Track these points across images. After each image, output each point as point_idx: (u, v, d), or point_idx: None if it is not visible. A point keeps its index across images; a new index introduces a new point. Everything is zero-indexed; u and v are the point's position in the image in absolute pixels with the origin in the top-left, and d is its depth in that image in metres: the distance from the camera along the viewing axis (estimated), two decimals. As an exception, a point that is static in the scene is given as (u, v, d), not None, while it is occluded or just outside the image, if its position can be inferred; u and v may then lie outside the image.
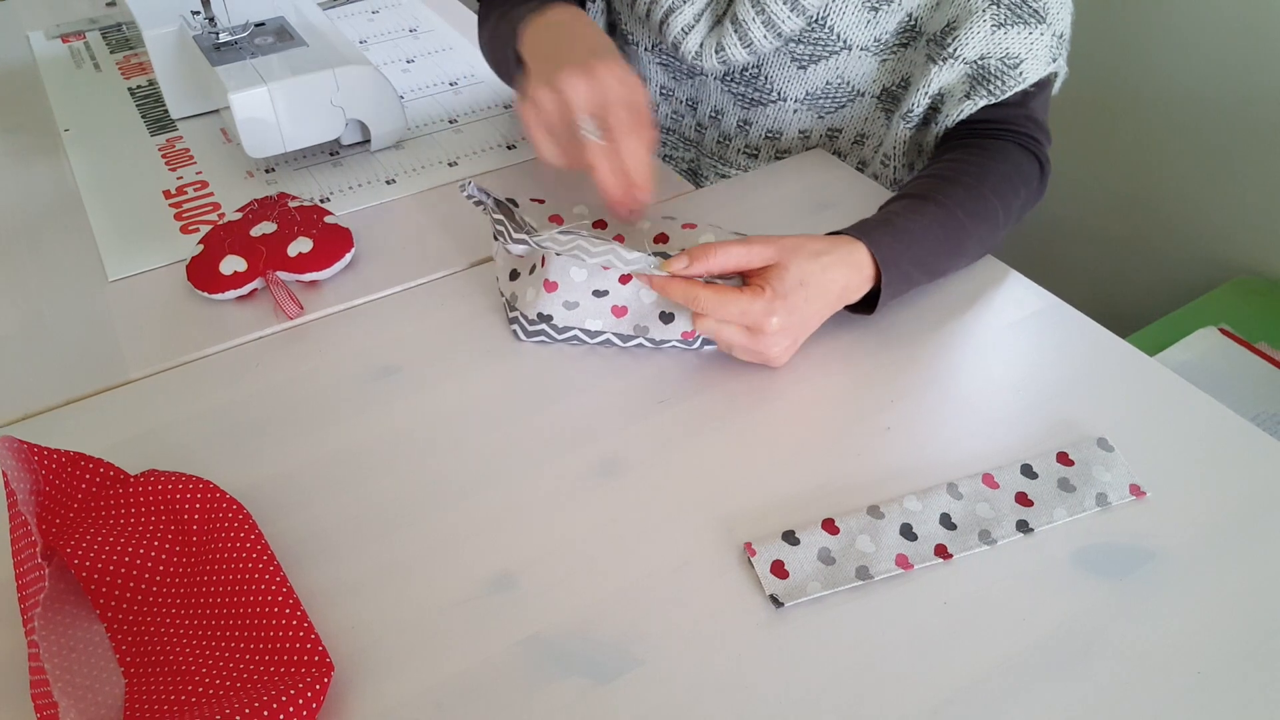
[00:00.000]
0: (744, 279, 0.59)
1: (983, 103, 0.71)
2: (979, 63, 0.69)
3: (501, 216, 0.63)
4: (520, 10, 0.71)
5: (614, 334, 0.63)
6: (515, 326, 0.64)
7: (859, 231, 0.62)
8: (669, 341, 0.62)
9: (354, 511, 0.54)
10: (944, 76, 0.71)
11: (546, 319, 0.62)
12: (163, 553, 0.50)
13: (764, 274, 0.58)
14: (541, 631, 0.48)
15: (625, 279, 0.61)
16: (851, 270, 0.60)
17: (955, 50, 0.69)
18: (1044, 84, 0.72)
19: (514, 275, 0.65)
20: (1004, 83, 0.69)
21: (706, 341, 0.62)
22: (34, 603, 0.43)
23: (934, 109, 0.75)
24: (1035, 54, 0.69)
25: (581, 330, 0.63)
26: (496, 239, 0.64)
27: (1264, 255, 1.20)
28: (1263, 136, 1.14)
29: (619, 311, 0.62)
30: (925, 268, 0.64)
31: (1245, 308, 1.14)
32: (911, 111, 0.75)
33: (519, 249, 0.63)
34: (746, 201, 0.78)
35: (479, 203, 0.63)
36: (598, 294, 0.62)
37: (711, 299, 0.57)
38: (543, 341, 0.64)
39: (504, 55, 0.74)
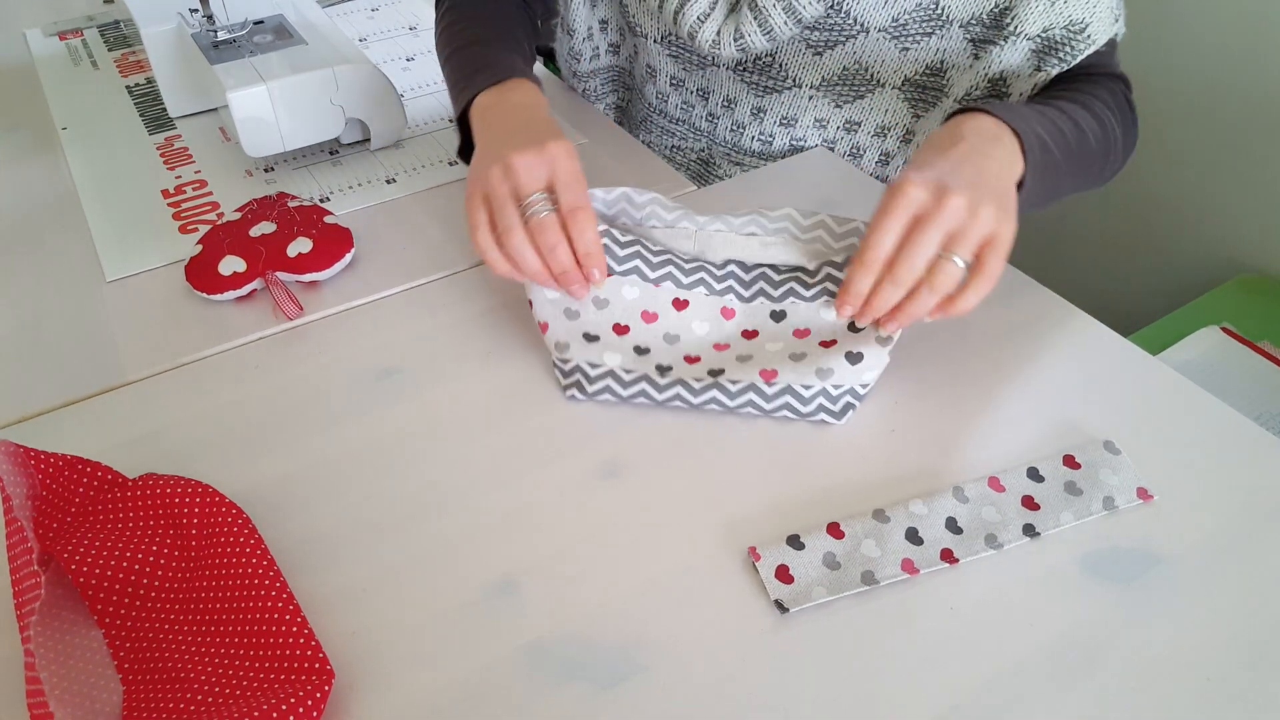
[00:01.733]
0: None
1: (1055, 71, 0.70)
2: (1043, 36, 0.69)
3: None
4: (481, 63, 0.69)
5: (686, 381, 0.58)
6: (573, 382, 0.60)
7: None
8: (742, 385, 0.57)
9: (354, 515, 0.53)
10: (1006, 57, 0.71)
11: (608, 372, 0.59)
12: (161, 557, 0.49)
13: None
14: (543, 637, 0.47)
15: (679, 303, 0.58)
16: (974, 127, 0.58)
17: (1016, 28, 0.69)
18: (1112, 44, 0.72)
19: (571, 314, 0.60)
20: (1073, 48, 0.69)
21: (785, 394, 0.58)
22: (30, 610, 0.43)
23: (994, 93, 0.74)
24: (1099, 16, 0.68)
25: (649, 380, 0.59)
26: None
27: (1266, 253, 1.19)
28: (1265, 134, 1.14)
29: (691, 360, 0.59)
30: (1053, 135, 0.62)
31: (1247, 306, 1.14)
32: (970, 95, 0.74)
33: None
34: (749, 201, 0.77)
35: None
36: (669, 338, 0.60)
37: (866, 259, 0.54)
38: (607, 400, 0.60)
39: (454, 98, 0.73)
